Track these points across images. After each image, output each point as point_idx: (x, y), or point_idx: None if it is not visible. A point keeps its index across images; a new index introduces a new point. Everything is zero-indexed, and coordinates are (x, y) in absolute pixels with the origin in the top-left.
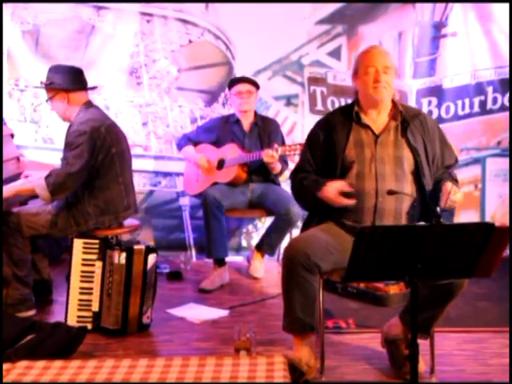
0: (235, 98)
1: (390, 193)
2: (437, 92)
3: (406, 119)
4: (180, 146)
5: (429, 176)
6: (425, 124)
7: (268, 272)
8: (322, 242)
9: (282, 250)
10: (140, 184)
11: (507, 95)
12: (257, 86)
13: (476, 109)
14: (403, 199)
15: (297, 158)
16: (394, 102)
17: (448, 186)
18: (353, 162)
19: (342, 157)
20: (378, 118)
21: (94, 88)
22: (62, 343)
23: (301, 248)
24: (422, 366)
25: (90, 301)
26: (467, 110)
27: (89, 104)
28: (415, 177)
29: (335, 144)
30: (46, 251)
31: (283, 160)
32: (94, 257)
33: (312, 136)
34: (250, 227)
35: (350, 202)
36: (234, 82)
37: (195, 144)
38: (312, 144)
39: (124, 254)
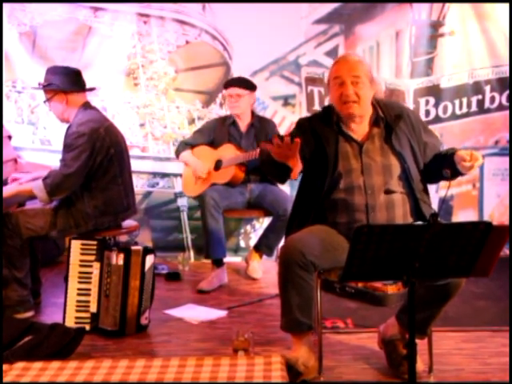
0: (227, 102)
1: (388, 192)
2: (434, 91)
3: (388, 124)
4: (178, 153)
5: (418, 177)
6: (409, 122)
7: (266, 272)
8: (318, 241)
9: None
10: (138, 185)
11: (505, 94)
12: (249, 87)
13: (474, 108)
14: (395, 208)
15: None
16: (373, 106)
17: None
18: (341, 176)
19: (333, 171)
20: (358, 127)
21: (92, 89)
22: (60, 344)
23: (296, 247)
24: (421, 366)
25: (88, 302)
26: (465, 110)
27: (87, 105)
28: (404, 182)
29: (327, 157)
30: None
31: None
32: (92, 258)
33: (302, 128)
34: (248, 228)
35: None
36: (226, 84)
37: (193, 147)
38: (301, 134)
39: (122, 255)
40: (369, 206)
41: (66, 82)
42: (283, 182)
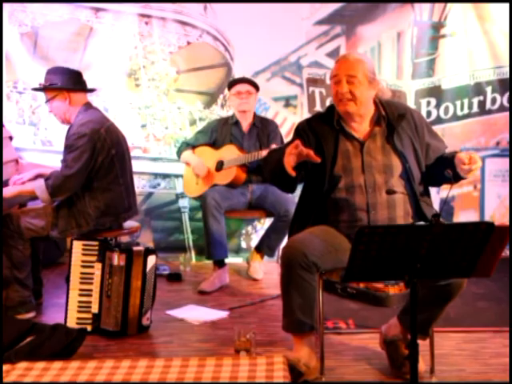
0: (234, 99)
1: (389, 192)
2: (436, 92)
3: (390, 123)
4: (180, 153)
5: (419, 178)
6: (412, 122)
7: (267, 273)
8: (320, 241)
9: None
10: (139, 186)
11: (506, 95)
12: (256, 87)
13: (475, 109)
14: (396, 208)
15: None
16: (376, 105)
17: (461, 155)
18: (341, 175)
19: (331, 170)
20: (359, 126)
21: (93, 90)
22: (62, 345)
23: (298, 247)
24: (422, 366)
25: (90, 302)
26: (466, 111)
27: (88, 105)
28: (405, 182)
29: (324, 155)
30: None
31: None
32: (94, 258)
33: (301, 132)
34: (250, 228)
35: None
36: (233, 82)
37: (194, 147)
38: (300, 138)
39: (123, 256)
40: (370, 205)
41: (69, 81)
42: (292, 190)
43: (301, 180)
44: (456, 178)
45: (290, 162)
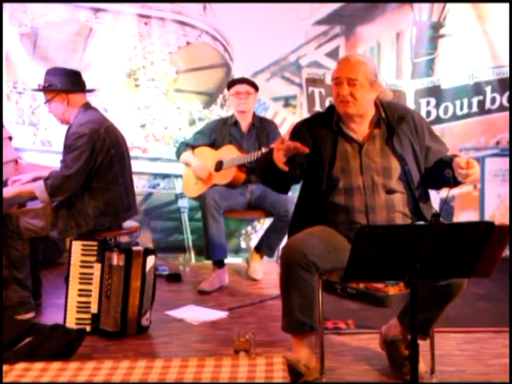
0: (233, 99)
1: (389, 192)
2: (435, 92)
3: (390, 126)
4: (179, 154)
5: (418, 180)
6: (412, 125)
7: (267, 273)
8: (319, 241)
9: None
10: (139, 186)
11: (506, 95)
12: (256, 87)
13: (474, 109)
14: (395, 209)
15: None
16: (376, 107)
17: (458, 160)
18: (339, 177)
19: (329, 171)
20: (359, 128)
21: (92, 90)
22: (61, 345)
23: (298, 247)
24: (422, 367)
25: (89, 303)
26: (466, 110)
27: (87, 106)
28: (405, 183)
29: (322, 158)
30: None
31: None
32: (93, 259)
33: (298, 132)
34: (249, 229)
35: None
36: (232, 82)
37: (193, 148)
38: (297, 139)
39: (123, 256)
40: (368, 207)
41: (67, 82)
42: (285, 190)
43: (294, 180)
44: (454, 182)
45: (279, 157)
